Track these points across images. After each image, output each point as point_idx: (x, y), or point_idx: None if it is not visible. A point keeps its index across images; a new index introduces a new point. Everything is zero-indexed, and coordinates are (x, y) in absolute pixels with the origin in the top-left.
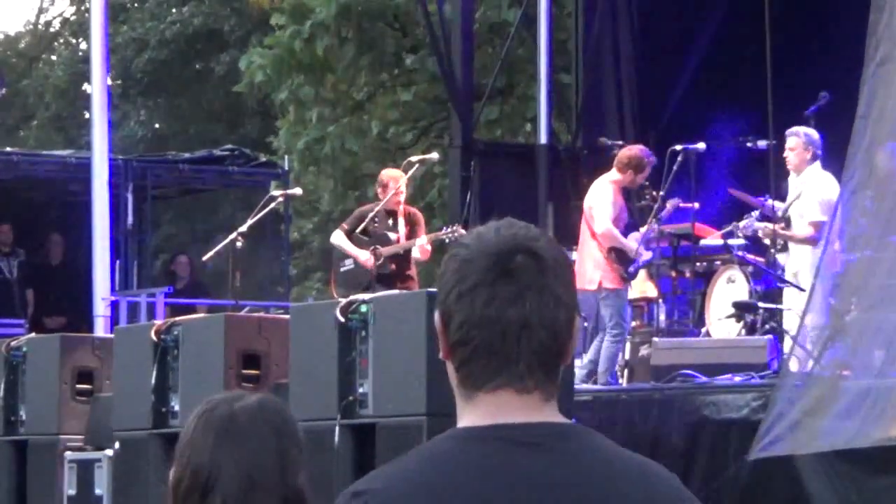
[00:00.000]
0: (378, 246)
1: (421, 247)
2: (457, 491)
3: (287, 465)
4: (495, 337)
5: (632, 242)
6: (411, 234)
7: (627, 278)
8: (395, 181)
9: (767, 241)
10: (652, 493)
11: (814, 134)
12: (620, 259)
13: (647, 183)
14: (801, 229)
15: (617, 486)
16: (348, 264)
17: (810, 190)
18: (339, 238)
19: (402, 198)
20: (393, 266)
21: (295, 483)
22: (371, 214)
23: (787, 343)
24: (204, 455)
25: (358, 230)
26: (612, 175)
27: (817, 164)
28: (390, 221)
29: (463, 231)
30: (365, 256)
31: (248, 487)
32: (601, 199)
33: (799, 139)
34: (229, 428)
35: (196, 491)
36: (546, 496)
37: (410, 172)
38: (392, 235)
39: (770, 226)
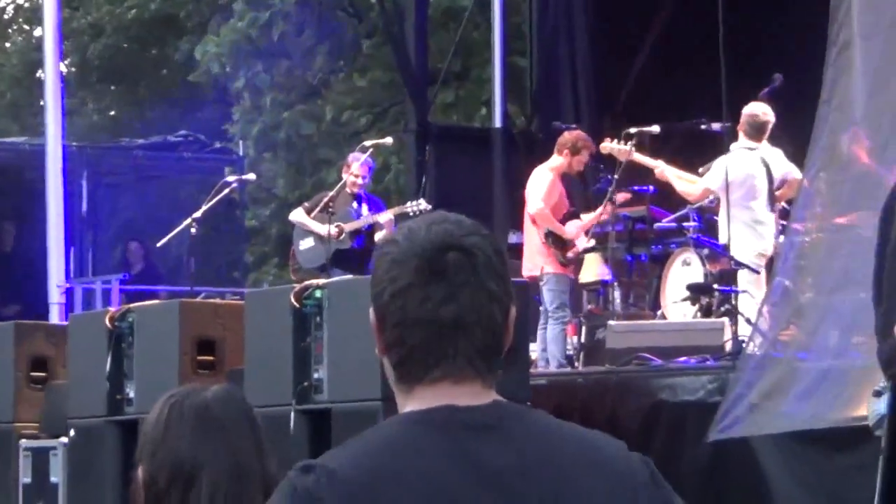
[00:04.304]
0: (341, 223)
1: (382, 234)
2: (406, 476)
3: (263, 452)
4: (431, 337)
5: (569, 228)
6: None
7: (564, 263)
8: (359, 163)
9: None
10: (602, 463)
11: (748, 108)
12: (556, 243)
13: (601, 166)
14: (690, 184)
15: (570, 462)
16: (306, 243)
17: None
18: (298, 215)
19: (363, 181)
20: (357, 244)
21: (271, 470)
22: (331, 193)
23: (742, 325)
24: (183, 448)
25: (317, 210)
26: (552, 161)
27: (742, 139)
28: (354, 204)
29: (426, 205)
30: (326, 231)
31: (236, 476)
32: (536, 182)
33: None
34: (207, 418)
35: (177, 486)
36: (496, 478)
37: (364, 156)
38: (355, 214)
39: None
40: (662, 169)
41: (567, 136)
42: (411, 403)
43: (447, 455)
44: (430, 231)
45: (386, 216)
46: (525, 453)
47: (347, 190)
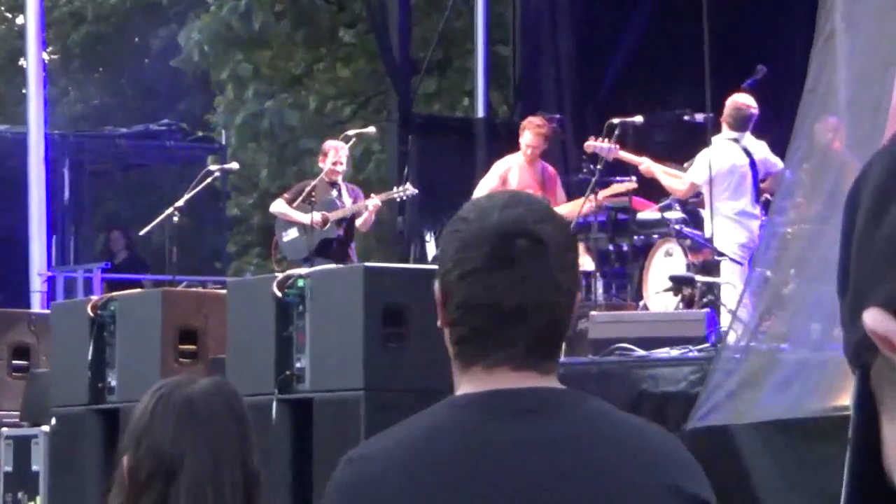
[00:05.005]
0: (325, 212)
1: (365, 219)
2: (443, 462)
3: (246, 447)
4: (493, 322)
5: None
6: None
7: None
8: (336, 150)
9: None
10: (650, 455)
11: (731, 100)
12: None
13: (584, 157)
14: (677, 180)
15: (609, 449)
16: (290, 234)
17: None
18: (280, 206)
19: (342, 168)
20: (340, 232)
21: (252, 465)
22: (313, 183)
23: (725, 316)
24: (165, 440)
25: (299, 200)
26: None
27: (725, 130)
28: (334, 192)
29: (413, 189)
30: (310, 220)
31: (213, 471)
32: (489, 172)
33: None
34: (190, 412)
35: (158, 477)
36: (541, 466)
37: (346, 146)
38: (338, 202)
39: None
40: (648, 165)
41: None
42: (465, 385)
43: (486, 440)
44: (503, 213)
45: (373, 202)
46: (557, 436)
47: (325, 178)
